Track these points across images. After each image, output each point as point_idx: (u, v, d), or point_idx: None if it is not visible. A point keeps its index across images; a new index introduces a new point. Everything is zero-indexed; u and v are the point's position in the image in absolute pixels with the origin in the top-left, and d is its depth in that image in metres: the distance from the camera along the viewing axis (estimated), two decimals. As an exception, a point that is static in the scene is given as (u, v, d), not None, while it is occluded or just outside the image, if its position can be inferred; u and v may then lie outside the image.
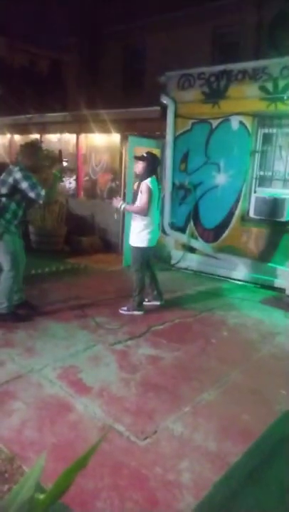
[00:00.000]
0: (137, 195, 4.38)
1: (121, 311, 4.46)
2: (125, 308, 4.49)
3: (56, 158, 7.15)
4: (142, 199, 4.23)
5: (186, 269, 6.58)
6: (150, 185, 4.22)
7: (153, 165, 4.37)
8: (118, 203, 4.48)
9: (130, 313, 4.45)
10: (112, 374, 3.18)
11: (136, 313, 4.45)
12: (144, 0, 10.98)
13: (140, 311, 4.49)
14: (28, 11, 10.51)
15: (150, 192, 4.21)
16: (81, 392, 2.91)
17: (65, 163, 7.64)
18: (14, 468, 2.23)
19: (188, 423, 2.67)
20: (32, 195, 3.85)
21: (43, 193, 3.84)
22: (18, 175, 3.84)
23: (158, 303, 4.76)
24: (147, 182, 4.23)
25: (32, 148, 4.27)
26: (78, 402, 2.80)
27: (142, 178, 4.31)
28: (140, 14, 11.17)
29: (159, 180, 4.56)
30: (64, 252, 6.98)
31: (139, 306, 4.50)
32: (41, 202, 4.02)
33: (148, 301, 4.78)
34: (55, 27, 11.09)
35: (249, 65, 5.84)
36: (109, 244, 7.56)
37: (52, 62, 12.46)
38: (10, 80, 10.51)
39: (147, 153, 4.49)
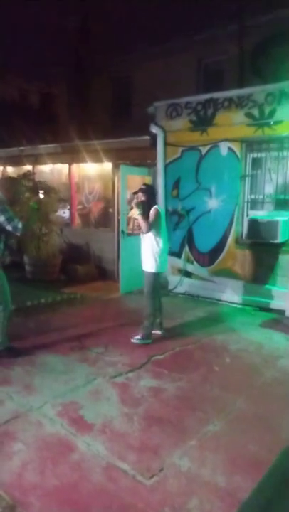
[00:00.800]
0: (146, 221, 4.42)
1: (134, 341, 4.39)
2: (139, 337, 4.43)
3: (47, 188, 7.25)
4: (151, 219, 4.39)
5: (183, 294, 6.55)
6: (159, 209, 4.47)
7: (153, 193, 4.71)
8: (135, 212, 4.54)
9: (144, 341, 4.40)
10: (113, 409, 3.10)
11: (147, 341, 4.42)
12: (131, 34, 11.39)
13: (149, 339, 4.45)
14: (17, 45, 10.86)
15: (159, 214, 4.43)
16: (83, 429, 2.83)
17: (56, 194, 7.75)
18: (16, 517, 2.13)
19: (195, 457, 2.59)
20: (9, 228, 3.88)
21: (20, 225, 3.88)
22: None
23: (159, 332, 4.69)
24: (156, 207, 4.47)
25: (10, 182, 4.46)
26: (80, 440, 2.71)
27: (147, 206, 4.43)
28: (127, 47, 11.56)
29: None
30: (60, 281, 6.94)
31: (149, 335, 4.48)
32: (18, 234, 4.04)
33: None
34: (45, 61, 11.34)
35: (234, 93, 6.02)
36: (105, 271, 7.54)
37: (42, 95, 12.75)
38: (1, 114, 10.71)
39: (144, 184, 4.78)
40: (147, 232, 4.39)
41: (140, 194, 4.51)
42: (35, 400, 3.17)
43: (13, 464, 2.48)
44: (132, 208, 7.62)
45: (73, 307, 5.79)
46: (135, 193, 4.62)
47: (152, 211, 4.40)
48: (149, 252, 4.46)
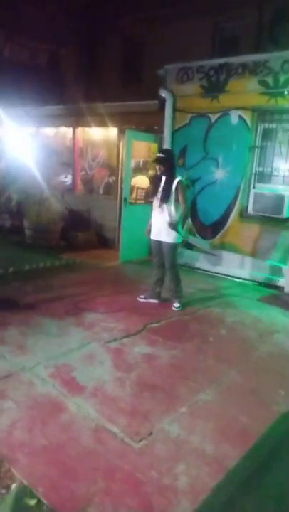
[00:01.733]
0: (166, 192, 4.34)
1: (175, 309, 4.50)
2: (178, 304, 4.53)
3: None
4: (183, 197, 4.36)
5: (183, 265, 6.46)
6: (181, 180, 4.40)
7: (174, 161, 4.60)
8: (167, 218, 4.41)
9: (180, 306, 4.53)
10: (106, 373, 3.09)
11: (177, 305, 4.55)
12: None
13: (181, 303, 4.58)
14: (26, 4, 10.27)
15: (184, 186, 4.48)
16: (74, 391, 2.82)
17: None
18: (3, 471, 2.14)
19: (184, 424, 2.58)
20: None
21: None
22: None
23: (156, 301, 4.68)
24: (179, 178, 4.38)
25: None
26: (71, 401, 2.70)
27: (169, 176, 4.36)
28: (140, 8, 10.98)
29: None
30: (59, 247, 6.85)
31: (182, 295, 4.62)
32: None
33: (144, 298, 4.71)
34: (54, 21, 10.79)
35: (250, 58, 5.72)
36: (106, 239, 7.45)
37: (50, 55, 12.22)
38: (7, 74, 10.30)
39: (166, 152, 4.61)
40: (187, 208, 4.57)
41: (159, 167, 4.40)
42: (28, 360, 3.16)
43: (1, 421, 2.47)
44: (134, 176, 7.47)
45: (71, 273, 5.73)
46: (155, 161, 4.50)
47: (178, 185, 4.33)
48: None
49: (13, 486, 2.05)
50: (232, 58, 5.87)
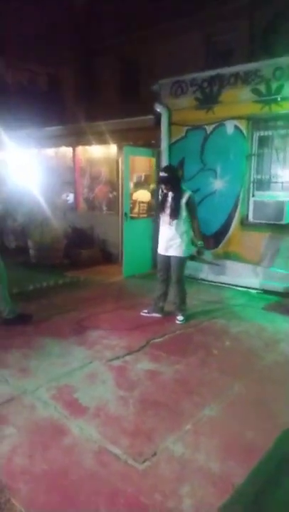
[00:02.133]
0: (175, 208, 4.32)
1: (179, 322, 4.46)
2: (182, 317, 4.49)
3: None
4: (195, 211, 4.42)
5: (187, 277, 6.41)
6: (191, 195, 4.40)
7: (177, 176, 4.56)
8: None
9: (183, 320, 4.48)
10: (109, 392, 3.05)
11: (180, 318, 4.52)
12: (137, 13, 11.03)
13: (184, 315, 4.54)
14: (24, 28, 10.55)
15: (195, 200, 4.50)
16: (76, 413, 2.78)
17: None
18: (3, 502, 2.09)
19: (189, 442, 2.52)
20: None
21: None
22: None
23: (159, 315, 4.64)
24: (189, 193, 4.38)
25: None
26: (73, 424, 2.67)
27: (175, 190, 4.34)
28: (133, 27, 11.21)
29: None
30: (64, 265, 6.88)
31: (184, 311, 4.56)
32: None
33: (147, 313, 4.66)
34: (52, 43, 11.07)
35: (241, 68, 5.76)
36: (110, 255, 7.46)
37: (50, 77, 12.50)
38: (8, 98, 10.55)
39: (167, 169, 4.58)
40: (198, 222, 4.42)
41: (164, 186, 4.43)
42: (30, 383, 3.14)
43: (2, 447, 2.44)
44: (136, 190, 7.51)
45: (75, 290, 5.73)
46: (159, 182, 4.58)
47: (189, 200, 4.32)
48: (184, 237, 4.38)
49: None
50: (224, 69, 5.92)
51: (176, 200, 4.31)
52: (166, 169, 4.62)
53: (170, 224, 4.37)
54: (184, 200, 4.31)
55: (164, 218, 4.43)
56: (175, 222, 4.34)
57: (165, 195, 4.45)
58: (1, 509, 2.03)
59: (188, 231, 4.43)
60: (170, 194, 4.37)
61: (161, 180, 4.45)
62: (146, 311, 4.68)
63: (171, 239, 4.39)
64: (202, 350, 3.79)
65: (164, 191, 4.47)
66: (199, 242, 4.46)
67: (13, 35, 10.21)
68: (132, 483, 2.19)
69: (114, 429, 2.62)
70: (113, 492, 2.13)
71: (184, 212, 4.33)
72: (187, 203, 4.32)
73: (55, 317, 4.59)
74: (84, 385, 3.14)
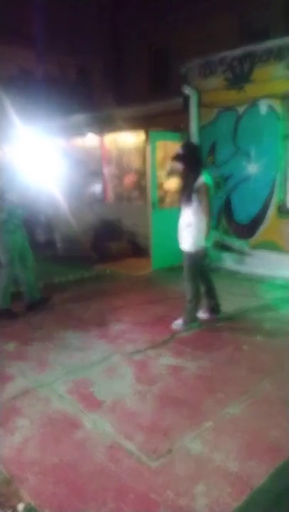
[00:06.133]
0: (187, 193, 3.77)
1: (174, 327, 3.91)
2: (179, 322, 3.94)
3: None
4: (204, 202, 3.70)
5: (220, 269, 6.15)
6: (208, 184, 3.71)
7: (197, 157, 3.86)
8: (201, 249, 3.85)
9: (187, 326, 3.91)
10: (127, 386, 2.92)
11: (192, 325, 3.94)
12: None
13: (194, 323, 3.97)
14: (53, 20, 10.56)
15: (208, 190, 3.70)
16: (91, 407, 2.68)
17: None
18: (11, 491, 2.05)
19: (208, 441, 2.34)
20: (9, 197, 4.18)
21: (15, 197, 4.18)
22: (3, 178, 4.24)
23: (215, 316, 4.12)
24: (204, 181, 3.69)
25: None
26: (87, 418, 2.57)
27: (190, 177, 3.75)
28: (162, 11, 10.91)
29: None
30: (91, 258, 6.80)
31: (193, 319, 3.98)
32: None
33: (202, 313, 4.16)
34: (80, 33, 11.05)
35: (274, 43, 5.37)
36: (139, 247, 7.28)
37: (79, 68, 12.52)
38: (38, 90, 10.65)
39: (185, 146, 4.02)
40: (207, 216, 3.70)
41: (177, 163, 3.83)
42: (47, 376, 3.08)
43: (14, 439, 2.40)
44: (168, 179, 7.11)
45: (101, 284, 5.63)
46: (173, 159, 3.93)
47: (200, 187, 3.67)
48: (191, 228, 3.77)
49: (19, 506, 1.95)
50: (255, 46, 5.56)
51: (188, 183, 3.74)
52: (183, 146, 4.06)
53: (182, 211, 3.84)
54: (196, 186, 3.70)
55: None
56: (185, 209, 3.80)
57: (182, 178, 3.98)
58: (9, 499, 1.98)
59: (199, 223, 3.76)
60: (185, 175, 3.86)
61: (175, 157, 3.90)
62: (201, 311, 4.12)
63: (181, 229, 3.87)
64: (230, 346, 3.55)
65: (180, 173, 3.97)
66: (205, 242, 3.78)
67: (41, 27, 10.28)
68: (143, 480, 2.07)
69: (129, 425, 2.50)
70: (123, 488, 2.02)
71: (195, 200, 3.72)
72: (198, 190, 3.69)
73: (78, 310, 4.52)
74: (102, 378, 3.03)
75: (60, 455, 2.26)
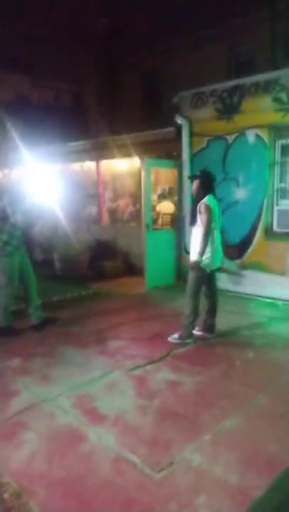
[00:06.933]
0: (193, 214, 4.11)
1: (171, 340, 4.09)
2: (176, 336, 4.13)
3: None
4: (202, 220, 3.95)
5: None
6: (209, 204, 3.97)
7: (207, 182, 4.14)
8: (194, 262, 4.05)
9: (182, 341, 4.09)
10: (128, 401, 3.04)
11: (187, 341, 4.11)
12: (157, 27, 11.29)
13: (190, 339, 4.15)
14: (49, 47, 11.02)
15: (210, 211, 3.95)
16: (95, 421, 2.79)
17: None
18: (21, 504, 2.13)
19: (207, 453, 2.47)
20: (12, 219, 4.31)
21: (19, 219, 4.30)
22: (5, 200, 4.34)
23: (209, 335, 4.30)
24: (205, 201, 3.97)
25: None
26: (91, 431, 2.68)
27: (197, 197, 4.07)
28: (155, 41, 11.47)
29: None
30: (87, 277, 6.97)
31: (189, 335, 4.16)
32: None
33: (198, 331, 4.34)
34: (75, 61, 11.49)
35: (261, 77, 5.76)
36: (133, 267, 7.49)
37: (73, 94, 12.94)
38: (34, 115, 10.97)
39: (201, 171, 4.37)
40: (204, 233, 3.92)
41: (194, 183, 4.12)
42: (51, 391, 3.18)
43: (22, 453, 2.48)
44: (160, 202, 7.41)
45: (98, 302, 5.79)
46: (189, 178, 4.39)
47: (202, 207, 3.94)
48: (198, 247, 4.01)
49: (31, 519, 2.04)
50: (244, 79, 5.96)
51: (195, 204, 4.08)
52: (201, 170, 4.42)
53: (193, 231, 4.11)
54: (199, 205, 4.02)
55: None
56: (193, 228, 4.12)
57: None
58: (19, 510, 2.05)
59: (208, 242, 4.00)
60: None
61: (190, 177, 4.40)
62: (197, 328, 4.33)
63: (191, 246, 4.13)
64: (224, 362, 3.73)
65: (192, 193, 4.27)
66: (196, 257, 3.99)
67: (37, 54, 10.69)
68: (147, 492, 2.17)
69: (132, 438, 2.61)
70: (128, 500, 2.12)
71: (199, 220, 4.01)
72: (199, 209, 3.99)
73: (77, 327, 4.65)
74: (104, 393, 3.15)
75: (67, 468, 2.35)
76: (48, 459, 2.43)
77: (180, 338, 4.13)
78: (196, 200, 4.12)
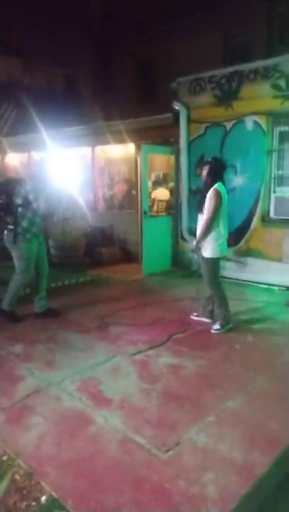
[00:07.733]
0: (201, 200, 4.08)
1: (214, 332, 4.10)
2: (217, 326, 4.14)
3: None
4: (210, 205, 3.94)
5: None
6: (219, 189, 3.96)
7: (218, 169, 4.12)
8: (191, 246, 4.12)
9: (225, 329, 4.12)
10: (132, 385, 3.10)
11: (229, 326, 4.17)
12: (153, 11, 11.08)
13: (229, 324, 4.18)
14: (40, 30, 10.74)
15: (220, 196, 3.94)
16: (101, 404, 2.85)
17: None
18: (32, 484, 2.18)
19: (212, 433, 2.55)
20: (35, 205, 4.21)
21: (42, 205, 4.20)
22: (28, 187, 4.22)
23: (208, 320, 4.32)
24: (216, 187, 3.96)
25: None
26: (98, 414, 2.73)
27: (206, 184, 4.04)
28: (149, 25, 11.27)
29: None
30: (84, 264, 6.98)
31: (228, 321, 4.20)
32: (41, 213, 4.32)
33: (197, 316, 4.46)
34: (69, 46, 11.25)
35: (260, 63, 5.74)
36: (130, 254, 7.52)
37: (66, 78, 12.71)
38: (27, 100, 10.77)
39: (213, 157, 4.36)
40: (208, 217, 3.93)
41: (204, 170, 4.07)
42: (56, 375, 3.22)
43: (31, 435, 2.53)
44: (155, 189, 7.41)
45: (97, 288, 5.83)
46: (198, 164, 4.27)
47: (211, 193, 3.92)
48: (209, 236, 4.01)
49: (43, 498, 2.09)
50: (242, 66, 5.93)
51: (205, 191, 4.02)
52: (212, 157, 4.39)
53: (199, 219, 4.11)
54: (208, 193, 3.98)
55: None
56: (200, 216, 4.10)
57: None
58: (31, 492, 2.10)
59: (216, 229, 4.01)
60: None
61: (200, 162, 4.34)
62: (196, 314, 4.47)
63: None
64: (224, 346, 3.81)
65: (203, 180, 4.20)
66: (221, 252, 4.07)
67: (28, 37, 10.44)
68: (155, 471, 2.23)
69: (138, 420, 2.67)
70: (138, 479, 2.18)
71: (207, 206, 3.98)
72: (209, 196, 3.96)
73: (77, 314, 4.68)
74: (107, 378, 3.20)
75: (76, 449, 2.40)
76: (57, 441, 2.48)
77: (221, 327, 4.14)
78: (204, 188, 4.07)
